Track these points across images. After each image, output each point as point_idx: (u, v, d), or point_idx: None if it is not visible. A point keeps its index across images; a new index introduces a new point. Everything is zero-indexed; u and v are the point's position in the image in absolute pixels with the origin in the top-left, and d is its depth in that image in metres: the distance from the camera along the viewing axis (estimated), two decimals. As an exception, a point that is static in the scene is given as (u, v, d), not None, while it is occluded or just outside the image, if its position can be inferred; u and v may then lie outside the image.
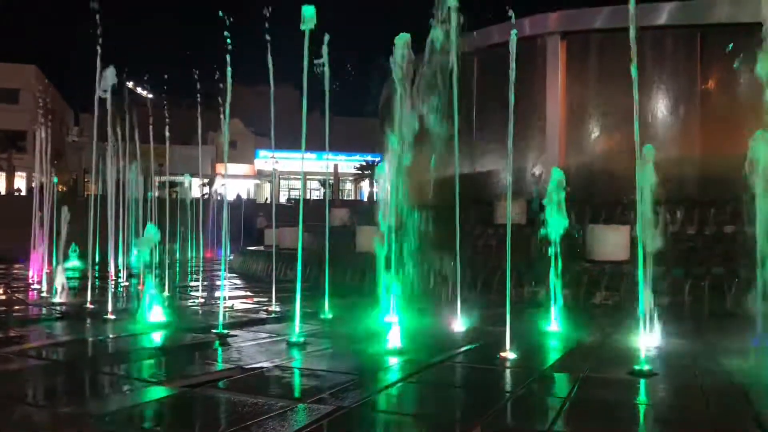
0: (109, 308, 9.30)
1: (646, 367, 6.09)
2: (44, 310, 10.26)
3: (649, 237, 8.89)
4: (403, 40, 8.93)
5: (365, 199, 61.40)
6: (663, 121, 14.84)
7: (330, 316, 9.33)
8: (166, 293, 12.67)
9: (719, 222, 12.09)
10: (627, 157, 9.14)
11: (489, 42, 17.07)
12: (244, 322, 9.07)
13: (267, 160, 61.01)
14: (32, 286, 13.66)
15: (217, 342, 7.51)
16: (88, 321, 9.05)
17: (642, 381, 5.86)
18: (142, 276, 13.81)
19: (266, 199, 58.38)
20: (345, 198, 62.19)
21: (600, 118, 15.42)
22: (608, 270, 10.92)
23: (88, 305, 10.06)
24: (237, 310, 10.31)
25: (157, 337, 7.96)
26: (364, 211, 21.33)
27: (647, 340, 7.63)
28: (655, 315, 7.99)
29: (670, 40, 14.93)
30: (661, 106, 14.86)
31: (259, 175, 65.51)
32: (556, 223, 9.29)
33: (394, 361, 6.53)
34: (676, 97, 14.77)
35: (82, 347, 7.43)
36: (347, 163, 64.93)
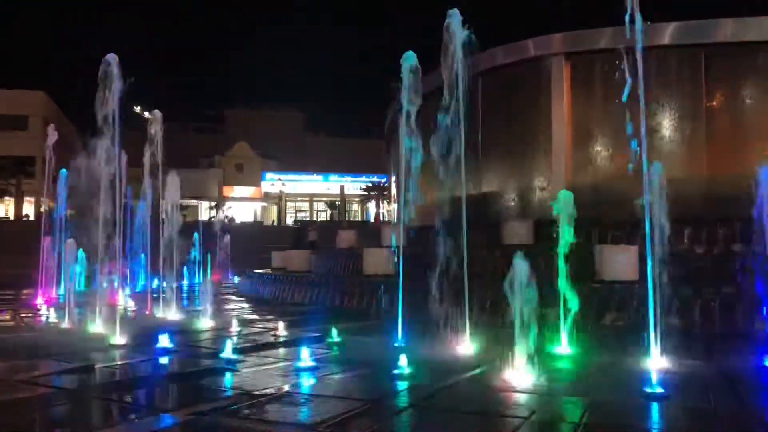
0: (117, 334, 9.29)
1: (657, 390, 6.02)
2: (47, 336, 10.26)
3: (657, 257, 8.90)
4: (409, 60, 8.99)
5: (372, 219, 61.44)
6: (669, 141, 14.84)
7: (338, 339, 9.29)
8: (174, 317, 12.68)
9: (727, 240, 12.02)
10: (633, 176, 9.17)
11: (493, 63, 17.20)
12: (253, 346, 9.03)
13: (273, 182, 61.23)
14: (39, 312, 13.67)
15: (225, 367, 7.47)
16: (94, 348, 9.02)
17: (654, 404, 5.79)
18: (149, 302, 13.83)
19: (273, 221, 58.51)
20: (352, 219, 62.26)
21: (606, 137, 15.44)
22: (617, 290, 10.85)
23: (95, 332, 10.06)
24: (245, 335, 10.29)
25: (165, 363, 7.94)
26: (371, 233, 21.33)
27: (658, 362, 7.58)
28: (666, 336, 7.94)
29: (674, 59, 14.99)
30: (667, 125, 14.87)
31: (266, 197, 65.75)
32: (564, 244, 9.29)
33: (401, 387, 6.48)
34: (681, 116, 14.79)
35: (87, 375, 7.41)
36: (353, 184, 65.12)
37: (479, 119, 17.12)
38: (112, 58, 10.30)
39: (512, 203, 17.54)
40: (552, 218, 9.82)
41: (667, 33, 14.88)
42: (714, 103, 14.94)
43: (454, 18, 8.64)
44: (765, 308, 8.41)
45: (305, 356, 7.47)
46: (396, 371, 6.80)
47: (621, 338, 9.65)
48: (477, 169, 17.48)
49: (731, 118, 14.71)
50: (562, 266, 9.36)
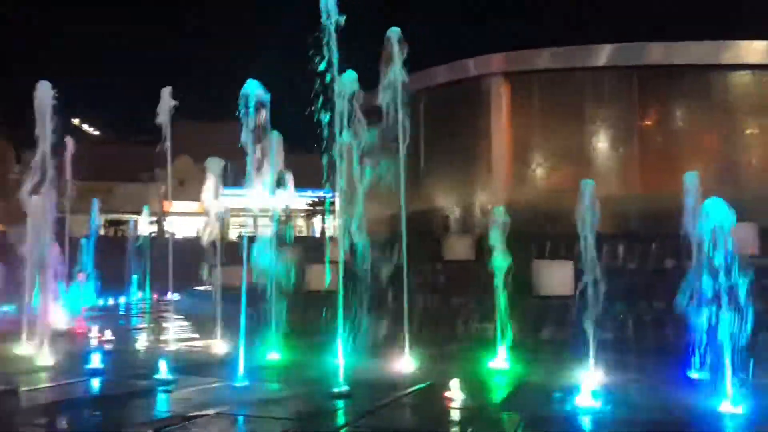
0: (46, 355, 8.94)
1: (591, 403, 6.14)
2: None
3: (592, 272, 9.12)
4: (349, 77, 8.98)
5: (317, 235, 61.14)
6: (604, 159, 15.30)
7: (276, 357, 9.16)
8: (108, 337, 12.28)
9: (660, 257, 12.41)
10: (570, 193, 9.41)
11: (435, 82, 17.41)
12: (189, 366, 8.82)
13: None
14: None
15: (159, 389, 7.27)
16: (19, 369, 8.64)
17: (588, 418, 5.90)
18: (83, 321, 13.36)
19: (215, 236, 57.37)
20: (297, 234, 61.78)
21: (544, 155, 15.80)
22: (554, 305, 11.06)
23: (22, 353, 9.65)
24: (182, 353, 10.04)
25: (96, 385, 7.67)
26: (315, 248, 21.18)
27: (592, 376, 7.76)
28: (600, 350, 8.14)
29: (609, 80, 15.48)
30: (602, 144, 15.33)
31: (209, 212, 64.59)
32: (502, 259, 9.45)
33: (339, 405, 6.42)
34: (616, 135, 15.27)
35: (9, 399, 7.07)
36: (299, 199, 64.69)
37: (421, 136, 17.28)
38: (44, 83, 10.21)
39: (455, 219, 17.72)
40: (490, 234, 9.97)
41: (603, 54, 15.37)
42: (647, 123, 15.49)
43: (394, 36, 8.73)
44: (694, 325, 8.70)
45: (241, 375, 7.34)
46: (335, 390, 6.74)
47: (558, 352, 9.82)
48: (420, 185, 17.62)
49: (663, 137, 15.26)
50: (500, 282, 9.51)
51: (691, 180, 8.50)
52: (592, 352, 8.04)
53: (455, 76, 17.06)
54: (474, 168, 16.51)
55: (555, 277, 11.40)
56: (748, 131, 15.00)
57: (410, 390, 7.24)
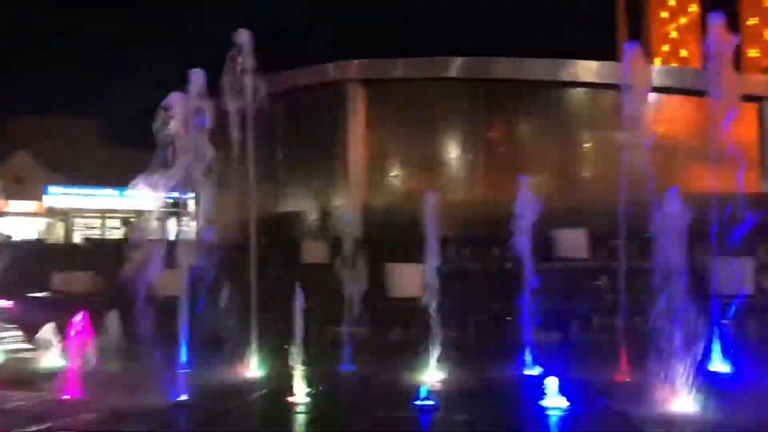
0: None
1: (427, 402, 6.38)
2: None
3: (439, 274, 9.52)
4: (197, 76, 8.71)
5: (172, 238, 58.65)
6: (454, 167, 15.99)
7: (118, 365, 8.70)
8: None
9: (501, 260, 13.12)
10: (422, 199, 9.77)
11: (294, 84, 17.36)
12: (15, 380, 8.16)
13: (58, 196, 56.11)
14: None
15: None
16: None
17: (424, 415, 6.13)
18: None
19: (58, 239, 53.56)
20: (150, 237, 58.84)
21: (398, 161, 16.25)
22: (404, 307, 11.37)
23: None
24: (8, 366, 9.28)
25: None
26: (168, 252, 20.33)
27: (433, 374, 8.10)
28: (445, 349, 8.51)
29: (459, 92, 16.19)
30: (452, 153, 16.01)
31: (50, 212, 60.07)
32: (354, 263, 9.63)
33: (180, 414, 6.24)
34: (465, 145, 16.01)
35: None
36: (152, 201, 61.65)
37: (280, 140, 17.16)
38: None
39: (313, 223, 17.74)
40: (346, 238, 10.13)
41: (454, 67, 16.07)
42: (493, 134, 16.37)
43: (243, 38, 8.60)
44: (533, 323, 9.32)
45: (75, 385, 6.92)
46: (178, 398, 6.53)
47: (406, 352, 10.12)
48: (279, 189, 17.50)
49: (507, 148, 16.19)
50: (353, 285, 9.66)
51: (523, 188, 9.11)
52: (437, 351, 8.40)
53: (314, 80, 17.10)
54: (332, 173, 16.63)
55: (406, 280, 11.73)
56: (583, 144, 16.28)
57: (255, 395, 7.17)
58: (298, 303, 7.29)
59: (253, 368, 8.26)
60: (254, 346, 8.44)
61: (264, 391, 7.34)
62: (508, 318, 10.02)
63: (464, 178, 15.94)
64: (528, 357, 8.53)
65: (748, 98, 14.54)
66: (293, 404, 6.51)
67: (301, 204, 17.77)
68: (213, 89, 8.71)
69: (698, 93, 9.70)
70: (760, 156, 14.72)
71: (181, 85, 7.96)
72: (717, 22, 8.96)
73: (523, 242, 9.22)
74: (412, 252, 13.57)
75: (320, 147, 17.29)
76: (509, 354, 8.86)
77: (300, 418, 6.18)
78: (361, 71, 16.35)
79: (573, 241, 12.60)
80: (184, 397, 6.51)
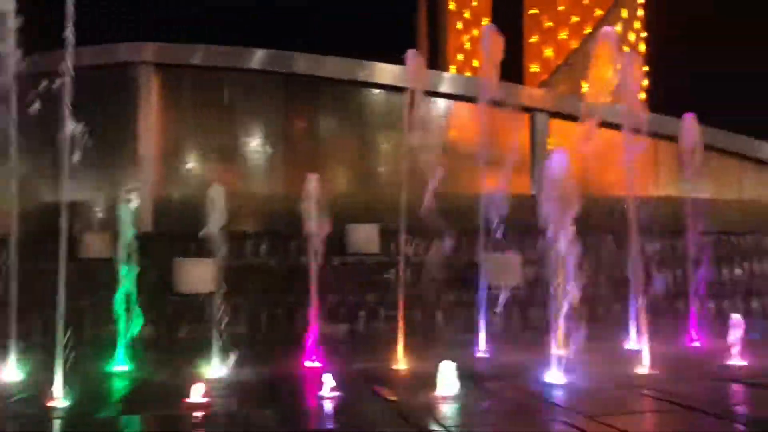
0: None
1: (201, 400, 6.20)
2: None
3: (232, 269, 9.35)
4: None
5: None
6: (253, 160, 15.76)
7: None
8: None
9: (297, 254, 13.16)
10: (215, 191, 9.53)
11: (80, 63, 16.00)
12: None
13: None
14: None
15: None
16: None
17: (196, 413, 5.94)
18: None
19: None
20: None
21: (195, 152, 15.66)
22: (193, 303, 11.01)
23: None
24: None
25: None
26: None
27: (216, 371, 7.93)
28: (233, 345, 8.35)
29: (261, 84, 15.96)
30: (251, 145, 15.76)
31: None
32: (139, 258, 9.18)
33: None
34: (264, 137, 15.83)
35: None
36: None
37: (62, 123, 15.73)
38: None
39: (100, 215, 16.51)
40: (133, 231, 9.60)
41: (256, 59, 15.82)
42: (293, 128, 16.37)
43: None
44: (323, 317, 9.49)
45: None
46: None
47: (192, 351, 9.78)
48: (60, 177, 16.02)
49: (307, 143, 16.27)
50: (136, 280, 9.17)
51: (310, 183, 9.28)
52: (223, 348, 8.24)
53: (103, 60, 15.85)
54: (120, 161, 15.56)
55: (195, 275, 11.35)
56: (378, 143, 16.86)
57: (10, 400, 6.50)
58: (61, 300, 6.69)
59: (11, 372, 7.48)
60: (14, 347, 7.65)
61: (21, 395, 6.68)
62: (300, 312, 10.12)
63: (264, 172, 15.79)
64: (316, 350, 8.68)
65: (524, 109, 16.00)
66: (53, 408, 5.99)
67: (87, 194, 16.47)
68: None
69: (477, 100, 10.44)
70: (531, 162, 16.21)
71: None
72: (489, 32, 9.77)
73: (318, 237, 9.38)
74: (204, 247, 13.21)
75: (110, 132, 16.13)
76: (298, 348, 8.92)
77: (60, 422, 5.70)
78: (156, 55, 15.47)
79: (366, 236, 13.02)
80: None
